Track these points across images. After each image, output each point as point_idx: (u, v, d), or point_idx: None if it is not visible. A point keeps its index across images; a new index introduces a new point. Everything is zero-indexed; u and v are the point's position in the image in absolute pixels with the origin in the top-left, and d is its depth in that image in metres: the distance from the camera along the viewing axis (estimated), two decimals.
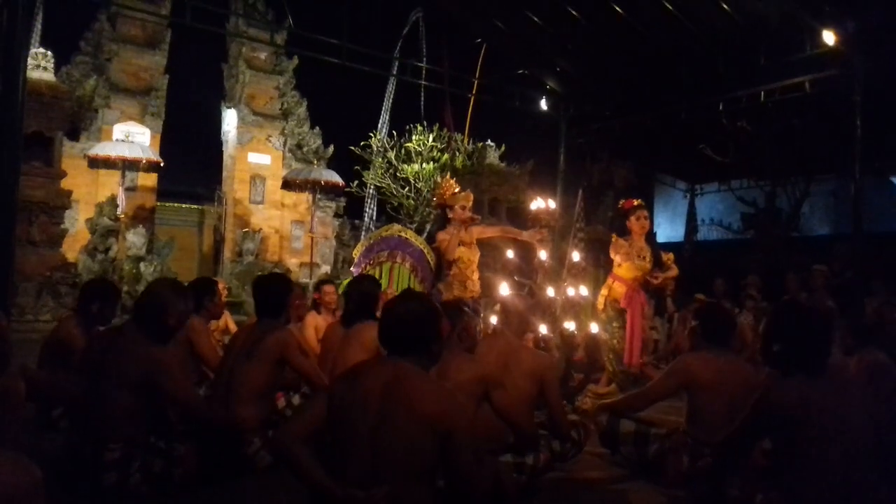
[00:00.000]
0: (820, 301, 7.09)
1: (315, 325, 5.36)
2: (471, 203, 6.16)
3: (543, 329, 4.90)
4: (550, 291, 5.87)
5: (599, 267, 10.61)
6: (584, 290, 5.77)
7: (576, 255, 6.84)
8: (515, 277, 6.28)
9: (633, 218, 6.11)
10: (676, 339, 6.78)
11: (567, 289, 5.79)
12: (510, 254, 6.63)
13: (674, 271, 6.24)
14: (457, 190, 6.21)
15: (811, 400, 2.65)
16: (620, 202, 6.47)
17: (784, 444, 2.77)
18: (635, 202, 6.27)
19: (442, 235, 6.02)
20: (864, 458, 2.63)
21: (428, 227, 11.12)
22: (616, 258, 6.08)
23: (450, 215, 6.05)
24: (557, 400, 3.47)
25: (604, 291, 6.14)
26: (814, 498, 2.61)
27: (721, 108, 10.31)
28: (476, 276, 6.08)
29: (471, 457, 2.17)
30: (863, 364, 4.05)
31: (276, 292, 3.71)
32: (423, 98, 13.36)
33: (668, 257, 6.26)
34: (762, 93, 9.66)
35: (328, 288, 5.88)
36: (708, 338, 3.66)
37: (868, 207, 9.59)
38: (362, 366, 2.34)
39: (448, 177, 6.60)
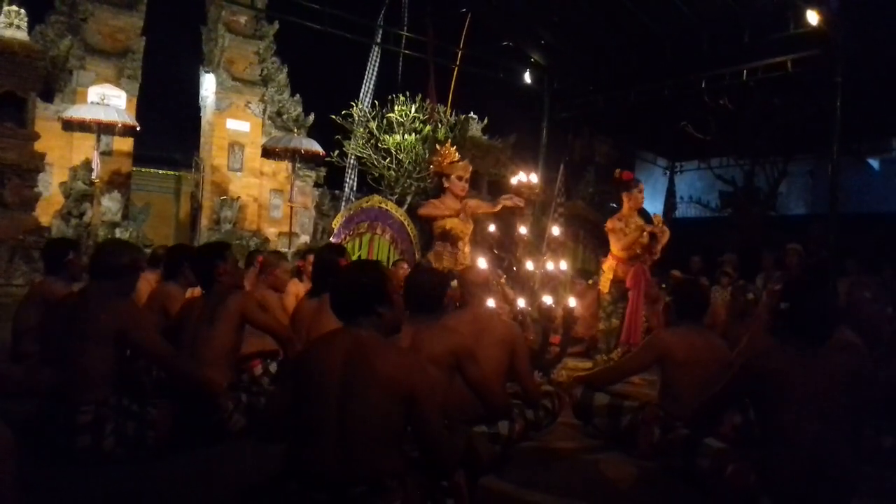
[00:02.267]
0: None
1: (296, 292, 5.34)
2: (468, 173, 5.96)
3: (521, 302, 4.93)
4: (529, 265, 5.88)
5: (578, 242, 10.67)
6: (563, 265, 5.78)
7: (555, 230, 6.83)
8: (495, 251, 6.26)
9: (634, 191, 6.04)
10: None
11: (546, 263, 5.80)
12: (490, 227, 6.61)
13: (666, 234, 6.23)
14: (455, 159, 5.99)
15: (795, 371, 2.71)
16: (617, 171, 6.37)
17: (761, 411, 2.83)
18: (633, 175, 6.26)
19: (434, 203, 5.84)
20: (838, 433, 2.68)
21: (409, 198, 11.07)
22: (618, 244, 5.98)
23: (446, 184, 5.85)
24: (526, 368, 3.52)
25: (608, 274, 6.07)
26: (785, 470, 2.66)
27: (703, 85, 10.32)
28: (468, 248, 5.94)
29: (438, 421, 2.18)
30: (832, 343, 4.13)
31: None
32: (405, 68, 13.21)
33: (657, 219, 6.23)
34: (745, 71, 9.67)
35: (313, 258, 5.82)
36: (681, 314, 3.72)
37: (845, 188, 9.71)
38: (323, 337, 2.34)
39: (448, 144, 6.43)
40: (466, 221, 5.91)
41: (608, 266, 6.11)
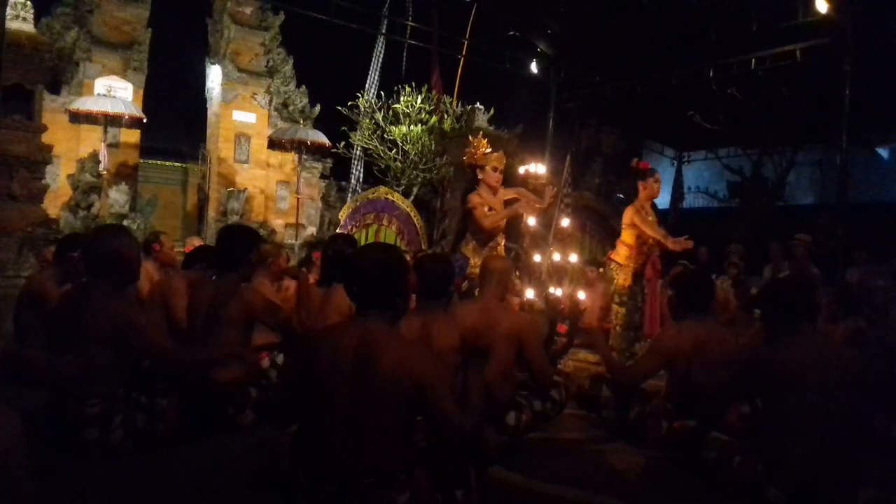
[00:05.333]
0: (803, 269, 7.16)
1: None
2: (503, 165, 5.79)
3: (529, 293, 4.93)
4: (536, 257, 5.87)
5: (585, 233, 10.64)
6: (573, 257, 5.75)
7: (564, 221, 6.81)
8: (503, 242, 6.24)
9: (650, 181, 5.87)
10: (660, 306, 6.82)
11: (553, 254, 5.79)
12: None
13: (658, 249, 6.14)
14: (488, 150, 5.82)
15: (799, 362, 2.74)
16: (634, 161, 6.25)
17: (767, 404, 2.84)
18: (649, 165, 6.15)
19: (476, 200, 5.62)
20: (842, 425, 2.71)
21: (415, 190, 11.05)
22: (647, 231, 5.81)
23: (480, 176, 5.70)
24: (538, 356, 3.45)
25: (627, 264, 5.86)
26: (790, 461, 2.68)
27: (711, 74, 10.25)
28: (503, 241, 5.84)
29: (451, 405, 2.14)
30: (848, 332, 4.12)
31: (237, 245, 3.64)
32: (411, 58, 13.15)
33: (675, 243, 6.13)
34: (753, 60, 9.60)
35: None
36: (687, 306, 3.69)
37: (853, 178, 9.65)
38: (332, 329, 2.32)
39: (480, 135, 6.29)
40: (501, 214, 5.75)
41: (625, 257, 5.88)
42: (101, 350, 3.02)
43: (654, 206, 6.18)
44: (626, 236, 5.89)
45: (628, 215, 5.86)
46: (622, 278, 5.85)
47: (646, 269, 5.87)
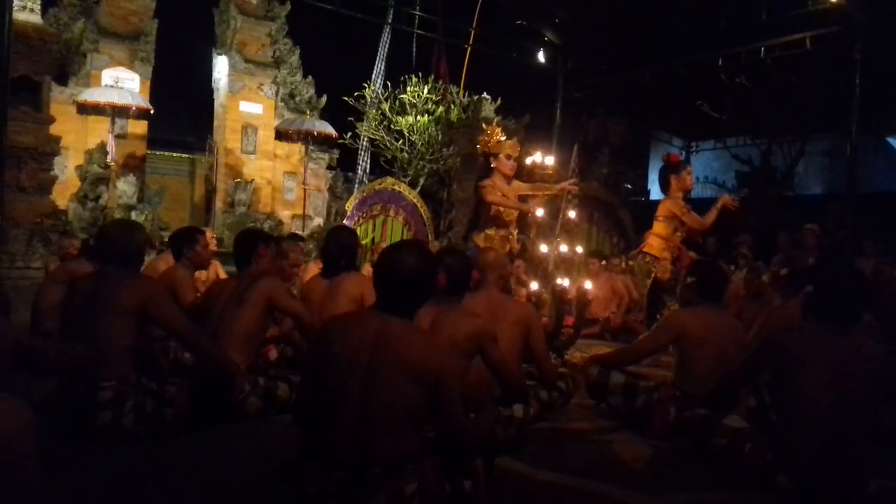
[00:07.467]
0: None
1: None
2: (517, 152, 5.79)
3: (535, 285, 4.92)
4: (543, 247, 5.85)
5: (592, 223, 10.62)
6: (579, 249, 5.73)
7: (571, 212, 6.78)
8: None
9: (683, 173, 5.85)
10: None
11: (560, 245, 5.77)
12: None
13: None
14: (502, 138, 5.83)
15: (816, 349, 2.71)
16: (664, 154, 6.22)
17: (779, 389, 2.83)
18: (680, 157, 6.13)
19: (488, 183, 5.65)
20: (854, 415, 2.68)
21: (422, 180, 11.04)
22: (669, 228, 5.76)
23: (493, 164, 5.72)
24: (542, 347, 3.52)
25: (664, 256, 5.77)
26: (800, 450, 2.67)
27: (720, 63, 10.18)
28: (516, 232, 5.86)
29: (461, 406, 2.18)
30: (862, 324, 4.11)
31: (243, 243, 3.90)
32: (418, 48, 13.11)
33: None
34: (762, 48, 9.53)
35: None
36: (704, 294, 3.74)
37: (862, 167, 9.59)
38: (349, 317, 2.33)
39: (494, 124, 6.27)
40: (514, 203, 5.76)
41: (660, 249, 5.78)
42: (122, 327, 3.09)
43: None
44: (661, 228, 5.85)
45: (665, 208, 5.83)
46: (661, 271, 5.78)
47: (680, 261, 5.82)
